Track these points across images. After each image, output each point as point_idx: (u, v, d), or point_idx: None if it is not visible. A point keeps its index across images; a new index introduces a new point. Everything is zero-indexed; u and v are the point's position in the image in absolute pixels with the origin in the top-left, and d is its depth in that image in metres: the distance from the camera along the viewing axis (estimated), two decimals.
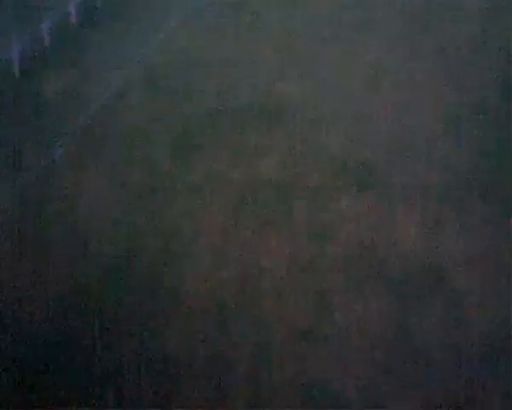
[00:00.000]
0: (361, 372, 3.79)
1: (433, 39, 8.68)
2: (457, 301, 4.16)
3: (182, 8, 9.56)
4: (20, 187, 5.78)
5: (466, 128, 5.96)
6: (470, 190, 5.02)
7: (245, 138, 5.92)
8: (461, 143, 5.66)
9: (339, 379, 3.74)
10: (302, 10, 9.28)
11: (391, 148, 5.65)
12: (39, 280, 5.41)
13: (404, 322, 4.03)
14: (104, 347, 4.78)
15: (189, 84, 6.95)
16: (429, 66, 7.84)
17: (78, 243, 5.13)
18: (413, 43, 8.64)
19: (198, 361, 4.12)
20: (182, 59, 7.85)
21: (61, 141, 6.32)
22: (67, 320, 5.05)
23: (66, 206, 5.57)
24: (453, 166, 5.39)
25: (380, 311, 4.11)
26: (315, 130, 5.89)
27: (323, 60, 7.59)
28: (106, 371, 4.79)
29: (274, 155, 5.62)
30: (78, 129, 6.45)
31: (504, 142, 5.50)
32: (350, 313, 4.13)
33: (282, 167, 5.51)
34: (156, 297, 4.49)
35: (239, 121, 6.06)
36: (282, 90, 6.66)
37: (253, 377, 4.19)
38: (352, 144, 5.62)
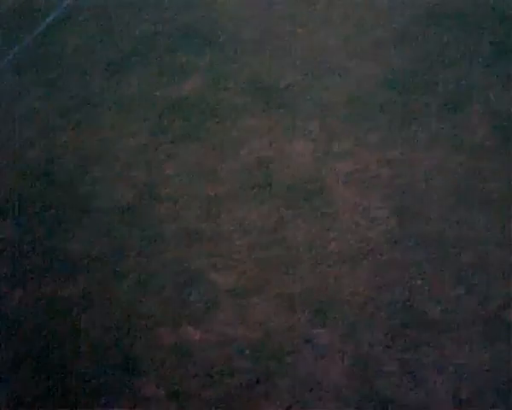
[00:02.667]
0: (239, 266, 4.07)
1: None
2: (333, 212, 4.44)
3: None
4: None
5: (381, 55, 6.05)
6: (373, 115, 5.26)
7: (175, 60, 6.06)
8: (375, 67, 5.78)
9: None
10: None
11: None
12: None
13: (283, 226, 4.29)
14: None
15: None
16: None
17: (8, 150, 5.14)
18: None
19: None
20: None
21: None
22: None
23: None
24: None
25: (263, 214, 4.38)
26: (244, 54, 6.02)
27: None
28: None
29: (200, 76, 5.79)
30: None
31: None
32: (236, 213, 4.39)
33: (206, 87, 5.68)
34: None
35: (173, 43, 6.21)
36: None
37: None
38: (270, 70, 5.75)
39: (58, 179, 4.74)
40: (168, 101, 5.40)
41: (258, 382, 3.49)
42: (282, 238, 4.24)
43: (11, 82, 5.77)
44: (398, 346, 3.60)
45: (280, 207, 4.45)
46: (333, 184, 4.64)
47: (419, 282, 3.95)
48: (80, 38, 6.32)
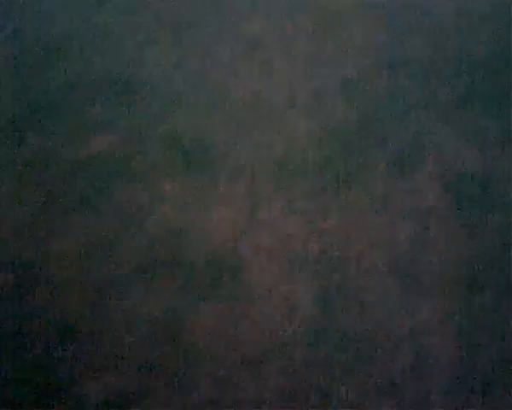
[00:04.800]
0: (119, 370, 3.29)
1: None
2: (247, 297, 3.70)
3: None
4: None
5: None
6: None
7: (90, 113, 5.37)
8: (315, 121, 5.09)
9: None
10: None
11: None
12: None
13: (183, 316, 3.55)
14: None
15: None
16: None
17: None
18: None
19: None
20: None
21: None
22: None
23: None
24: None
25: (160, 302, 3.64)
26: (165, 109, 5.34)
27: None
28: None
29: (115, 131, 5.10)
30: None
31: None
32: (127, 301, 3.67)
33: (119, 145, 4.98)
34: None
35: (91, 94, 5.53)
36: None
37: None
38: (196, 125, 5.06)
39: None
40: (72, 161, 4.67)
41: None
42: (180, 333, 3.47)
43: None
44: None
45: (183, 293, 3.69)
46: (253, 261, 3.89)
47: (340, 389, 3.19)
48: None
